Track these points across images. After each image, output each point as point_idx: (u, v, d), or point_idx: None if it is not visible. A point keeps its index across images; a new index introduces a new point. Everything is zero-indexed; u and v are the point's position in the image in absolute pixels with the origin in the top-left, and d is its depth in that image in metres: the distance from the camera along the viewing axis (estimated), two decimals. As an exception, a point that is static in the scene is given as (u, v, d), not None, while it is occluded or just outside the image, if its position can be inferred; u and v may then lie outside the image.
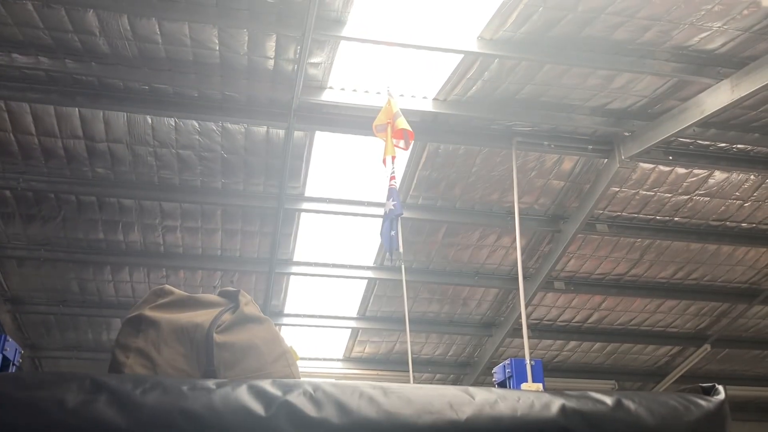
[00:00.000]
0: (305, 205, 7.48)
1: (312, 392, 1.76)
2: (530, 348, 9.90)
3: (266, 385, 1.75)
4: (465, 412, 1.78)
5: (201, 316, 2.18)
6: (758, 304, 9.34)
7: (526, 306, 8.81)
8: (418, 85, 6.22)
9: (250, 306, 2.28)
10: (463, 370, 10.33)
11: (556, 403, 1.86)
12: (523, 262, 8.41)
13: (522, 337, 9.34)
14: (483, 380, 9.87)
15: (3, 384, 1.68)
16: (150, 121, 6.48)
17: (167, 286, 2.32)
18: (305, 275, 8.45)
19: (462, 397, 1.83)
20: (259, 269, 8.23)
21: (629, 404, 1.91)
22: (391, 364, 10.05)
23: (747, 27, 5.24)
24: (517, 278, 8.23)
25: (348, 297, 8.94)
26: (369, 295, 8.89)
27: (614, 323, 9.64)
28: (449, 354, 10.12)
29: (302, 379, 2.09)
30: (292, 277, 8.52)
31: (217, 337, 2.11)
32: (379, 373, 9.94)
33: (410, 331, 9.33)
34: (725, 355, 10.52)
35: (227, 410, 1.68)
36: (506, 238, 8.12)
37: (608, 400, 1.91)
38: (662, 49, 5.55)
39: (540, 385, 6.33)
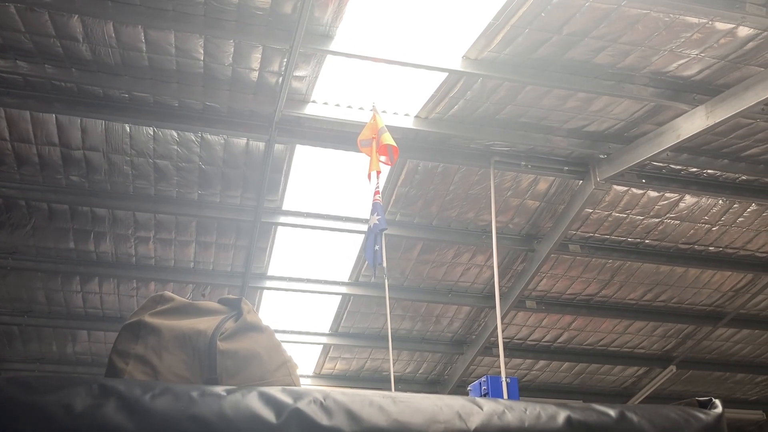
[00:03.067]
0: (282, 219, 7.44)
1: (322, 400, 1.74)
2: (498, 367, 9.98)
3: (276, 392, 1.73)
4: (474, 422, 1.78)
5: (203, 323, 2.16)
6: (722, 327, 9.55)
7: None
8: (401, 102, 6.27)
9: (252, 314, 2.26)
10: (433, 388, 10.33)
11: (562, 415, 1.87)
12: (496, 280, 8.50)
13: (492, 355, 9.45)
14: (453, 398, 9.87)
15: (9, 388, 1.63)
16: (128, 130, 6.41)
17: (167, 293, 2.28)
18: (279, 290, 8.39)
19: (470, 407, 1.84)
20: (232, 283, 8.15)
21: (632, 417, 1.93)
22: (362, 381, 10.00)
23: (723, 55, 5.40)
24: (489, 296, 8.32)
25: (321, 313, 8.90)
26: (342, 311, 8.86)
27: (583, 343, 9.75)
28: (420, 371, 10.12)
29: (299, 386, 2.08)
30: (265, 291, 8.45)
31: (220, 345, 2.09)
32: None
33: (382, 347, 9.38)
34: (690, 376, 10.71)
35: (238, 417, 1.65)
36: (480, 257, 8.18)
37: (612, 413, 1.93)
38: (641, 74, 5.70)
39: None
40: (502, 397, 5.94)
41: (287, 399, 1.72)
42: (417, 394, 1.93)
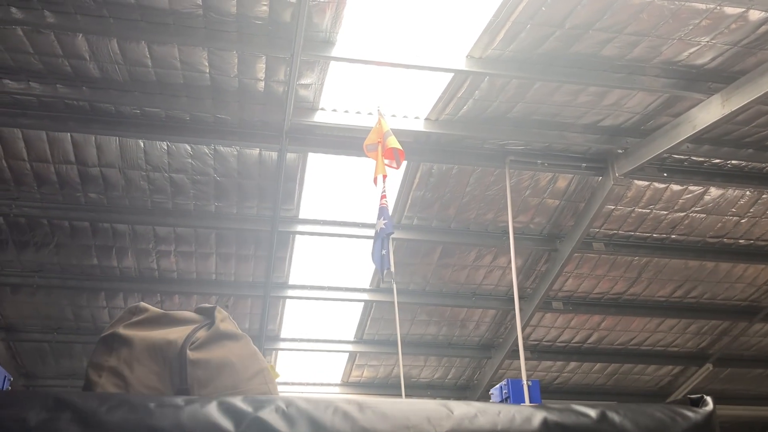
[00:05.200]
0: (299, 228, 7.44)
1: (284, 408, 1.69)
2: (530, 369, 9.82)
3: (237, 401, 1.69)
4: (444, 427, 1.72)
5: (174, 333, 2.13)
6: (759, 322, 9.25)
7: (525, 327, 8.75)
8: (410, 105, 6.22)
9: (226, 322, 2.23)
10: (463, 393, 10.21)
11: (537, 417, 1.80)
12: (520, 282, 8.37)
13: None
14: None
15: (-37, 403, 1.63)
16: (142, 145, 6.48)
17: (142, 304, 2.27)
18: (301, 299, 8.39)
19: (440, 411, 1.77)
20: (255, 293, 8.17)
21: (614, 417, 1.85)
22: (389, 388, 9.93)
23: (735, 41, 5.24)
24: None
25: (345, 320, 8.87)
26: (366, 318, 8.81)
27: (614, 343, 9.54)
28: (448, 377, 10.01)
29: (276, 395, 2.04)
30: (287, 300, 8.45)
31: (191, 354, 2.06)
32: (378, 398, 9.81)
33: (408, 354, 9.31)
34: (728, 375, 10.40)
35: (196, 427, 1.61)
36: (503, 258, 8.06)
37: (592, 413, 1.85)
38: (652, 64, 5.55)
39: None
40: (523, 400, 5.83)
41: (247, 408, 1.68)
42: (386, 399, 1.87)
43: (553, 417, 1.80)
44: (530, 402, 5.79)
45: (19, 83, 5.72)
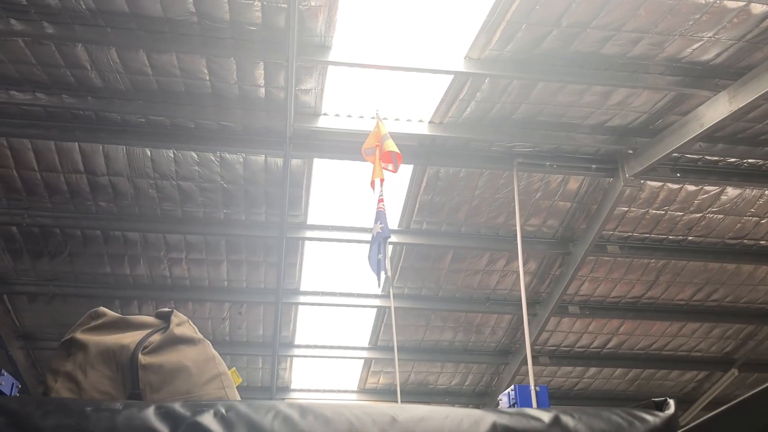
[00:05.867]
0: (308, 234, 7.44)
1: (224, 412, 1.67)
2: (549, 375, 9.68)
3: (176, 405, 1.67)
4: (388, 432, 1.68)
5: (129, 338, 2.13)
6: (785, 325, 8.99)
7: (540, 332, 8.63)
8: (413, 109, 6.18)
9: (183, 327, 2.22)
10: (482, 400, 10.09)
11: (486, 421, 1.75)
12: (534, 286, 8.27)
13: (539, 364, 9.18)
14: (501, 410, 9.61)
15: None
16: (149, 154, 6.53)
17: (101, 308, 2.27)
18: (313, 305, 8.37)
19: (387, 416, 1.74)
20: (267, 300, 8.18)
21: (568, 421, 1.79)
22: (406, 395, 9.85)
23: (739, 36, 5.10)
24: (531, 303, 8.09)
25: (359, 326, 8.83)
26: (379, 325, 8.77)
27: (635, 348, 9.35)
28: (466, 383, 9.90)
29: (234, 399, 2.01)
30: (300, 307, 8.45)
31: (143, 359, 2.05)
32: (395, 405, 9.74)
33: (424, 360, 9.24)
34: (755, 380, 10.09)
35: (131, 432, 1.60)
36: (516, 263, 7.93)
37: (545, 417, 1.79)
38: (655, 62, 5.44)
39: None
40: (530, 405, 5.72)
41: (185, 412, 1.66)
42: (331, 402, 1.83)
43: (502, 421, 1.75)
44: (538, 407, 5.66)
45: (25, 94, 5.81)
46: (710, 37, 5.10)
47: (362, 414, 1.72)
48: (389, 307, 8.48)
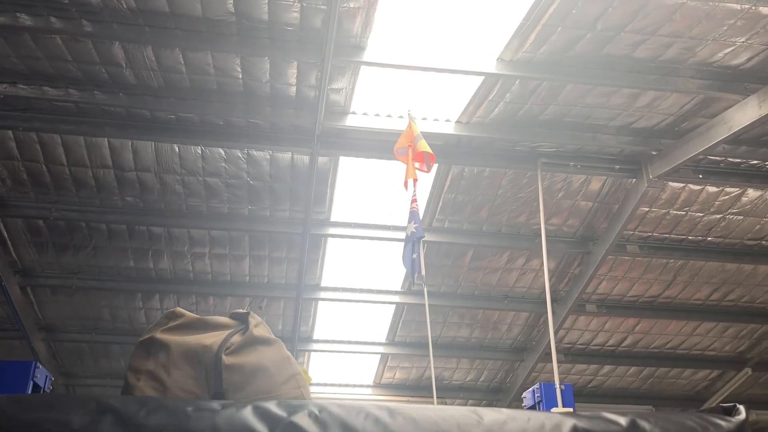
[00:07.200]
0: (331, 230, 7.50)
1: (317, 413, 1.73)
2: (564, 373, 9.75)
3: (271, 406, 1.73)
4: (473, 434, 1.74)
5: (210, 338, 2.18)
6: (800, 326, 9.06)
7: (557, 330, 8.69)
8: (441, 108, 6.23)
9: (259, 327, 2.27)
10: (496, 396, 10.17)
11: (567, 424, 1.81)
12: (553, 284, 8.32)
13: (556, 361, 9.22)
14: (516, 406, 9.69)
15: (8, 406, 1.69)
16: (177, 150, 6.59)
17: (179, 309, 2.33)
18: (333, 300, 8.44)
19: (470, 418, 1.79)
20: (287, 295, 8.25)
21: (644, 425, 1.85)
22: (421, 390, 9.94)
23: (772, 41, 5.16)
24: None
25: (376, 322, 8.90)
26: (397, 320, 8.84)
27: (649, 346, 9.41)
28: (481, 379, 9.98)
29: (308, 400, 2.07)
30: (320, 302, 8.52)
31: (226, 359, 2.11)
32: (410, 399, 9.83)
33: (439, 356, 9.30)
34: (767, 380, 10.19)
35: (231, 431, 1.66)
36: (535, 261, 8.02)
37: (622, 421, 1.85)
38: (686, 66, 5.48)
39: (571, 410, 6.17)
40: (556, 404, 5.79)
41: (281, 413, 1.72)
42: (418, 405, 1.89)
43: (582, 424, 1.81)
44: (563, 405, 5.76)
45: (58, 90, 5.86)
46: (742, 42, 5.15)
47: (447, 416, 1.79)
48: (407, 304, 8.57)
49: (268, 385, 2.13)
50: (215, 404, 1.73)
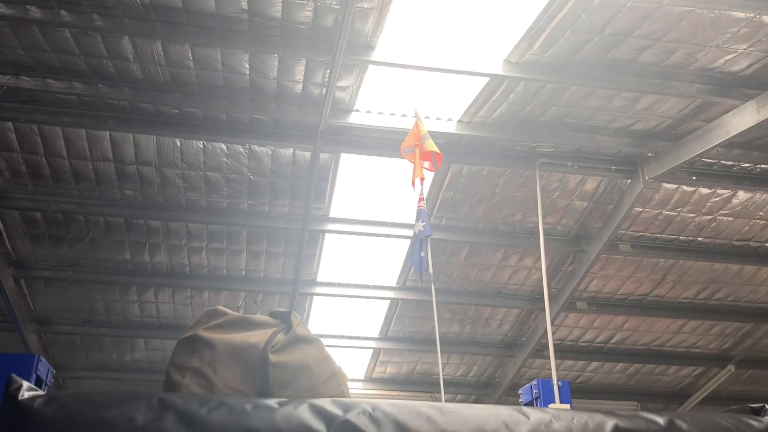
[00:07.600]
0: (330, 226, 7.54)
1: (371, 411, 1.78)
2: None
3: (326, 404, 1.78)
4: (520, 432, 1.81)
5: (255, 337, 2.23)
6: (782, 325, 9.27)
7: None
8: (444, 108, 6.29)
9: (301, 327, 2.32)
10: (485, 391, 10.30)
11: (609, 423, 1.88)
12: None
13: (543, 357, 9.37)
14: (505, 401, 9.83)
15: (75, 403, 1.73)
16: (179, 144, 6.58)
17: (220, 307, 2.36)
18: (328, 296, 8.49)
19: (517, 417, 1.86)
20: (283, 290, 8.28)
21: (681, 424, 1.93)
22: (412, 384, 10.04)
23: (773, 49, 5.28)
24: (539, 298, 8.26)
25: (370, 317, 8.97)
26: (391, 316, 8.91)
27: (637, 344, 9.59)
28: (470, 374, 10.10)
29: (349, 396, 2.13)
30: (315, 297, 8.56)
31: (272, 357, 2.15)
32: (401, 393, 9.93)
33: (430, 351, 9.39)
34: (750, 376, 10.42)
35: (290, 429, 1.71)
36: (529, 259, 8.13)
37: (661, 421, 1.93)
38: (687, 71, 5.60)
39: (568, 406, 6.29)
40: (553, 400, 5.90)
41: (337, 411, 1.78)
42: (464, 404, 1.96)
43: (624, 424, 1.89)
44: (560, 402, 5.87)
45: (62, 83, 5.82)
46: (744, 49, 5.27)
47: (491, 416, 1.85)
48: (401, 300, 8.64)
49: (311, 382, 2.18)
50: (273, 402, 1.78)
